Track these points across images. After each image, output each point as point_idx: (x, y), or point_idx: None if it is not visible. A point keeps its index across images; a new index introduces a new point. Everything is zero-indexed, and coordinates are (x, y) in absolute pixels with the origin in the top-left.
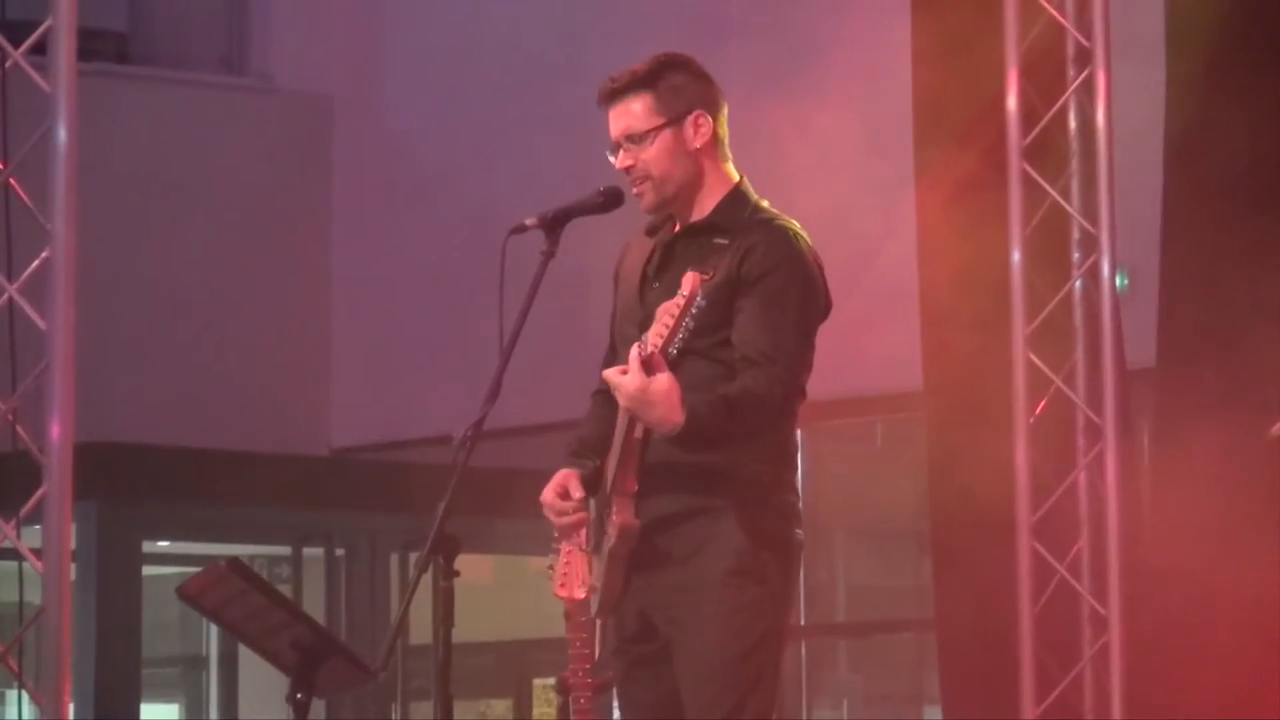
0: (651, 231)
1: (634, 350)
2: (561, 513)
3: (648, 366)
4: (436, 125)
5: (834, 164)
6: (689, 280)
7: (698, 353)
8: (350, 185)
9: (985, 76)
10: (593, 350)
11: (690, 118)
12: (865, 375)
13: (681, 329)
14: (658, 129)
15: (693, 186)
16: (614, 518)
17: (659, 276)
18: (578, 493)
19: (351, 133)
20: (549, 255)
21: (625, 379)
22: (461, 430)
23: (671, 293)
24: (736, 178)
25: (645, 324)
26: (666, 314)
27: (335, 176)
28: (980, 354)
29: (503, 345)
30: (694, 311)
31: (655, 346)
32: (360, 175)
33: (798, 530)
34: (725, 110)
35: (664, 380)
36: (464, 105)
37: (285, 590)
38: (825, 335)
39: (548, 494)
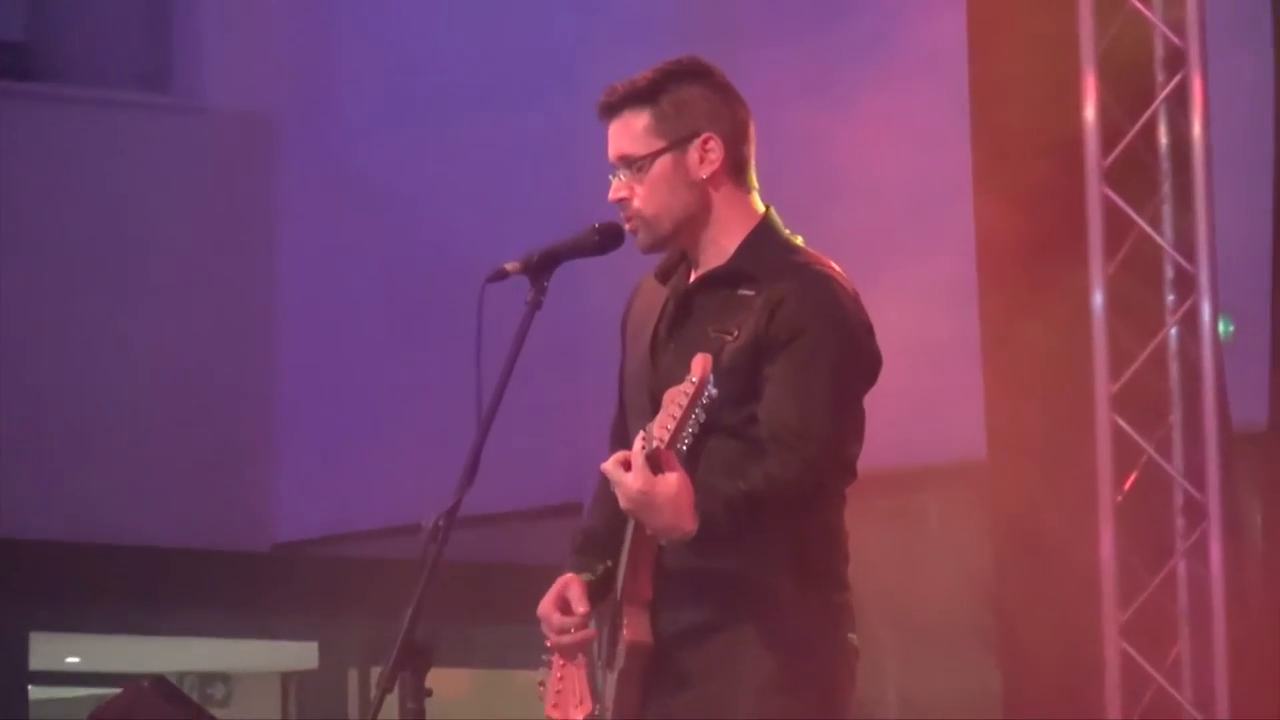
0: (663, 275)
1: (637, 443)
2: (562, 630)
3: (654, 463)
4: (394, 150)
5: (876, 192)
6: (699, 364)
7: (724, 429)
8: (295, 219)
9: (1057, 83)
10: (589, 419)
11: (697, 142)
12: (918, 444)
13: (691, 421)
14: (655, 154)
15: (698, 224)
16: (624, 632)
17: (674, 335)
18: (581, 607)
19: (295, 158)
20: (535, 306)
21: (627, 477)
22: (431, 518)
23: (687, 357)
24: (762, 210)
25: (658, 393)
26: (674, 402)
27: (278, 208)
28: (1056, 418)
29: (480, 415)
30: (704, 401)
31: (661, 440)
32: (306, 207)
33: (850, 635)
34: (751, 130)
35: (672, 481)
36: (426, 126)
37: (219, 714)
38: (869, 398)
39: (545, 607)
